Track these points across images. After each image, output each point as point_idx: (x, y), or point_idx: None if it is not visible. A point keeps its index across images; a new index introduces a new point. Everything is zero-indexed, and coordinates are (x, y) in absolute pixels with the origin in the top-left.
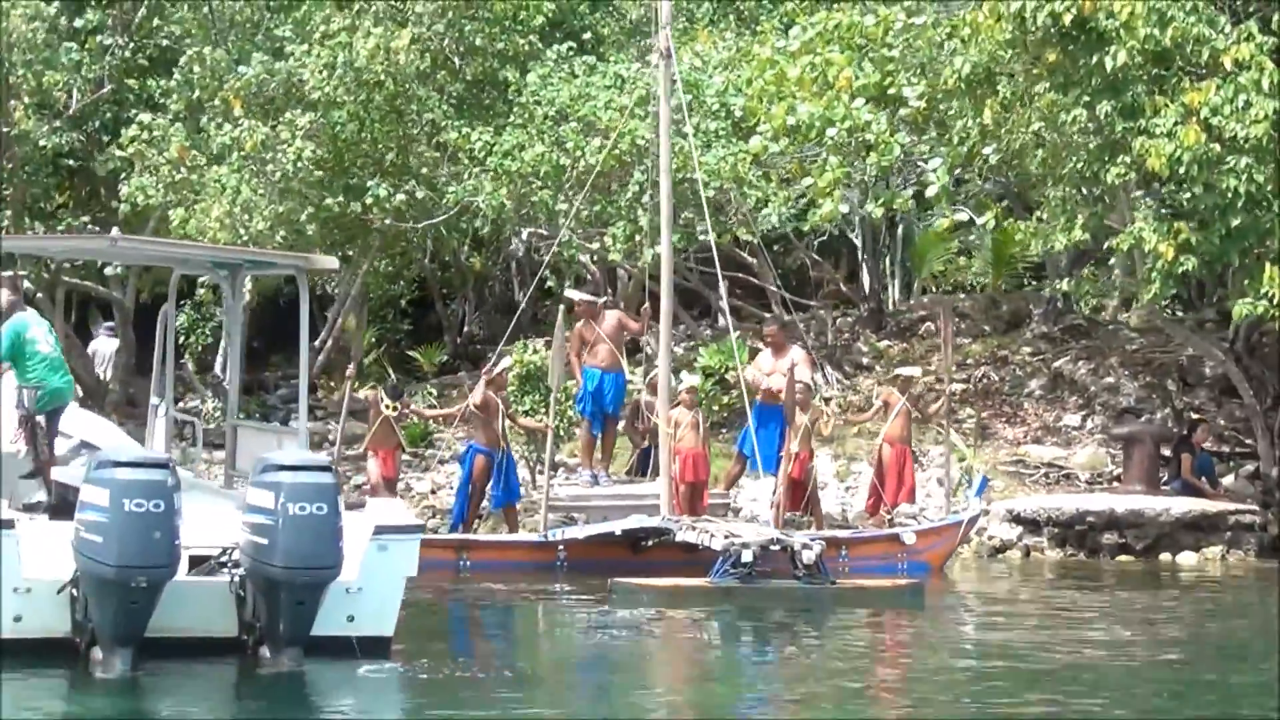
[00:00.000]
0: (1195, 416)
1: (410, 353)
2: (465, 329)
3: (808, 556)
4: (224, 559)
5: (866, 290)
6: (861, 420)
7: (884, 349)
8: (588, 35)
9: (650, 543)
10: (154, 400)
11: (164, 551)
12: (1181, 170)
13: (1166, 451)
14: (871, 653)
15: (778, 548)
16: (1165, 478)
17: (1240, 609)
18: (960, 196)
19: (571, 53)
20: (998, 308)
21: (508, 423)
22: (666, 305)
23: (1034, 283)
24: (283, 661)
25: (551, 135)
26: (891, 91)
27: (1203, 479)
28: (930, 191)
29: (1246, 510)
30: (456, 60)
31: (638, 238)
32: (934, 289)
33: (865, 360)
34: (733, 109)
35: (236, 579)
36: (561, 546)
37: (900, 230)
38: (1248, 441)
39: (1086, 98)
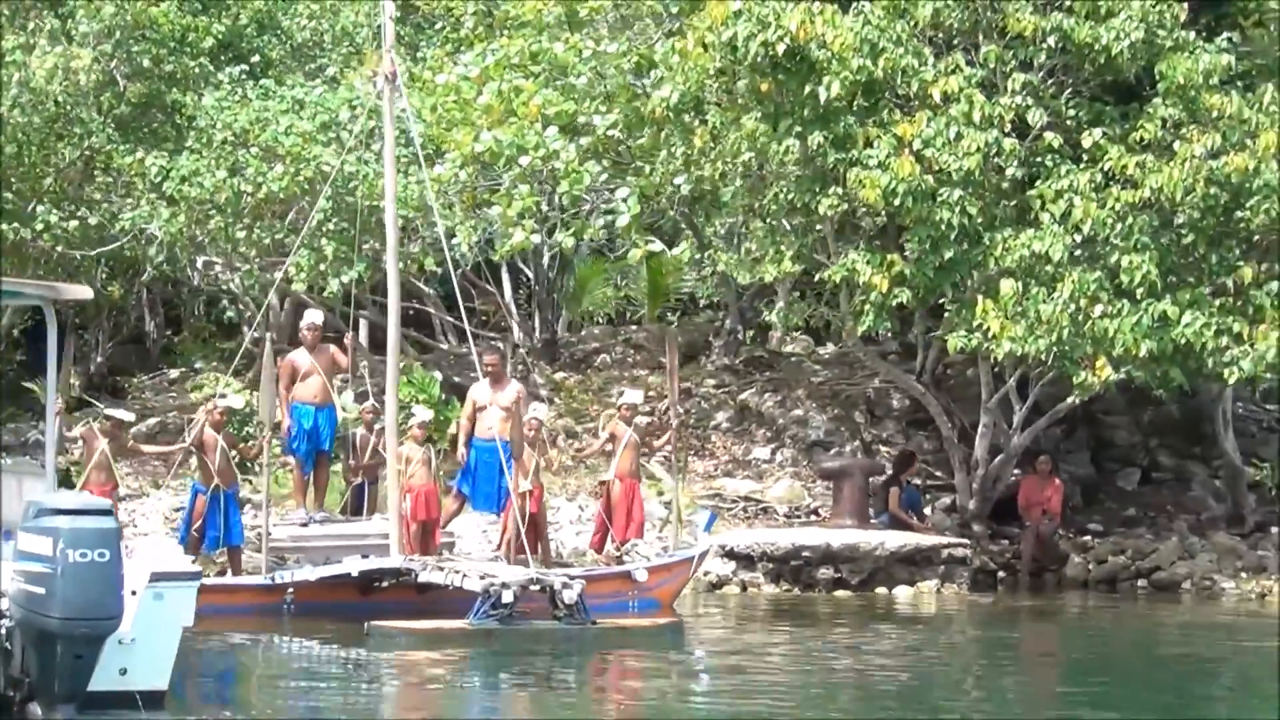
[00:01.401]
0: (898, 451)
1: (26, 385)
2: (98, 360)
3: (568, 596)
4: None
5: (517, 320)
6: (588, 455)
7: (561, 381)
8: (256, 58)
9: (385, 584)
10: None
11: None
12: (896, 202)
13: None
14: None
15: (537, 588)
16: (873, 512)
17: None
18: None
19: (244, 75)
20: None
21: (234, 458)
22: (394, 337)
23: (675, 316)
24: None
25: (229, 161)
26: (582, 120)
27: (909, 512)
28: (621, 221)
29: (959, 543)
30: (121, 81)
31: (322, 267)
32: (589, 321)
33: (544, 392)
34: (412, 135)
35: (3, 631)
36: (290, 589)
37: (546, 260)
38: (937, 474)
39: (798, 128)
